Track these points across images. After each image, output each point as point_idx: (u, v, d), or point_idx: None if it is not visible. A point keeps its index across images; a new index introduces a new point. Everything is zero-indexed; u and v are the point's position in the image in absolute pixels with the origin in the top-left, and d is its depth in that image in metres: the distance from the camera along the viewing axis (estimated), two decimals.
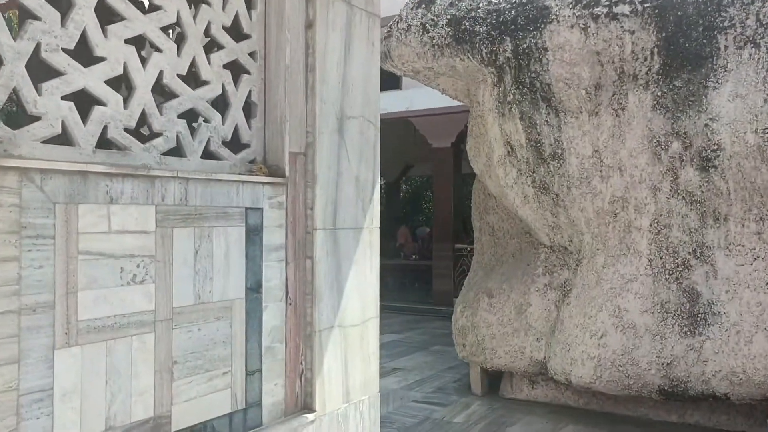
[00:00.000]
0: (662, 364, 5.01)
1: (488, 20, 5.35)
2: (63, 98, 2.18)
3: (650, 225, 5.15)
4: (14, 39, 2.06)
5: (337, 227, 3.15)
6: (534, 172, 5.53)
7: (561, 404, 6.07)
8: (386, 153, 14.67)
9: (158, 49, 2.49)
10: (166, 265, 2.40)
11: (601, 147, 5.15)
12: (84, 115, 2.27)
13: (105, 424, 2.21)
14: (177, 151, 2.61)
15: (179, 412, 2.46)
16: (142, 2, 2.49)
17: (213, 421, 2.60)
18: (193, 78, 2.70)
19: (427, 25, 5.58)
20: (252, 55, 2.91)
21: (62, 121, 2.17)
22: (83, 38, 2.26)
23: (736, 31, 4.67)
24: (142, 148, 2.42)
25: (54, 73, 2.18)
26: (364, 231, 3.33)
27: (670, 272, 5.10)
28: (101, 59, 2.30)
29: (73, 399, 2.11)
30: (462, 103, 6.60)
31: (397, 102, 11.78)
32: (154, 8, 2.50)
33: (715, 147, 4.76)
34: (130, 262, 2.28)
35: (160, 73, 2.50)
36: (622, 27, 4.83)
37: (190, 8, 2.64)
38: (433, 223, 14.24)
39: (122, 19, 2.37)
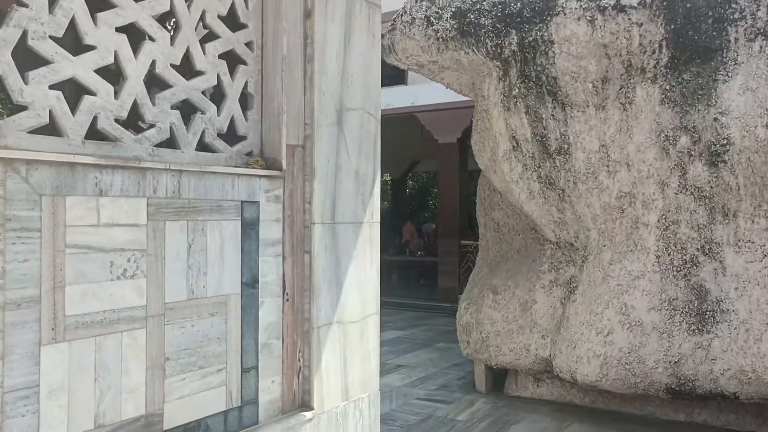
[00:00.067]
0: (669, 362, 4.93)
1: (493, 13, 5.27)
2: (51, 87, 2.12)
3: (658, 221, 5.06)
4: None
5: (335, 221, 3.08)
6: (539, 167, 5.45)
7: (566, 402, 6.00)
8: (392, 149, 14.67)
9: (151, 38, 2.43)
10: (157, 260, 2.34)
11: (608, 141, 5.07)
12: (74, 105, 2.21)
13: (94, 422, 2.15)
14: (171, 144, 2.55)
15: (172, 409, 2.40)
16: None
17: (207, 419, 2.54)
18: (188, 69, 2.64)
19: (431, 17, 5.50)
20: (249, 45, 2.84)
21: (50, 111, 2.11)
22: (72, 26, 2.20)
23: (746, 23, 4.57)
24: (133, 139, 2.36)
25: (42, 61, 2.12)
26: (364, 225, 3.26)
27: (678, 269, 5.01)
28: (91, 48, 2.24)
29: (60, 396, 2.06)
30: (468, 98, 6.52)
31: (402, 97, 11.71)
32: None
33: (725, 141, 4.67)
34: (121, 256, 2.22)
35: (153, 62, 2.44)
36: (629, 19, 4.74)
37: None
38: (438, 219, 14.16)
39: (113, 6, 2.31)
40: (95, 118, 2.25)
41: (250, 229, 2.71)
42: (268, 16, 2.88)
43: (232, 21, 2.78)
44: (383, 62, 6.32)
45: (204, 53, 2.64)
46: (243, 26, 2.82)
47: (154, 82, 2.53)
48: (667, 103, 4.83)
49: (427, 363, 7.75)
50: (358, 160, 3.22)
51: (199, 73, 2.63)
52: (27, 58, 2.10)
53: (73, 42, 2.21)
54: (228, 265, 2.62)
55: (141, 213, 2.28)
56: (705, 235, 4.97)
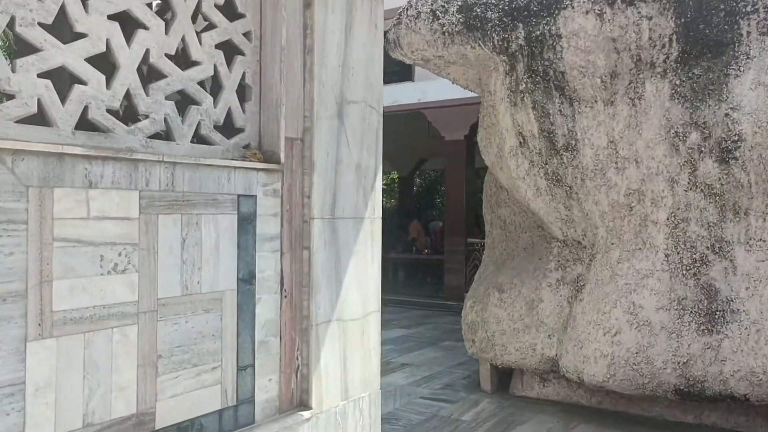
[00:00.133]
0: (678, 363, 4.84)
1: (500, 6, 5.18)
2: (40, 76, 2.06)
3: (667, 219, 4.97)
4: None
5: (335, 216, 3.01)
6: (547, 163, 5.36)
7: (573, 403, 5.91)
8: (399, 146, 14.65)
9: (144, 27, 2.36)
10: (150, 254, 2.28)
11: (617, 138, 4.98)
12: (64, 95, 2.14)
13: (83, 421, 2.09)
14: (166, 135, 2.48)
15: (164, 408, 2.34)
16: None
17: (201, 418, 2.48)
18: (185, 60, 2.57)
19: (437, 11, 5.42)
20: (246, 35, 2.77)
21: (38, 100, 2.05)
22: (62, 13, 2.13)
23: (759, 16, 4.47)
24: (126, 130, 2.30)
25: (30, 49, 2.06)
26: (365, 221, 3.19)
27: (688, 268, 4.92)
28: (82, 36, 2.18)
29: (47, 394, 1.99)
30: (475, 94, 6.43)
31: (409, 93, 11.64)
32: None
33: (736, 138, 4.57)
34: (111, 250, 2.15)
35: (147, 51, 2.37)
36: (639, 13, 4.64)
37: None
38: (445, 217, 14.08)
39: None
40: (86, 109, 2.18)
41: (246, 223, 2.65)
42: (267, 5, 2.81)
43: (229, 10, 2.71)
44: (391, 59, 6.27)
45: (200, 43, 2.57)
46: (241, 16, 2.75)
47: (154, 76, 2.47)
48: (677, 99, 4.73)
49: (432, 362, 7.68)
50: (359, 154, 3.15)
51: (195, 64, 2.56)
52: (15, 45, 2.04)
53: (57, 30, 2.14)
54: (223, 260, 2.55)
55: (133, 206, 2.22)
56: (715, 233, 4.87)
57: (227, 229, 2.56)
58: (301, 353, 2.91)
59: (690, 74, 4.69)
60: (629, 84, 4.88)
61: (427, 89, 11.46)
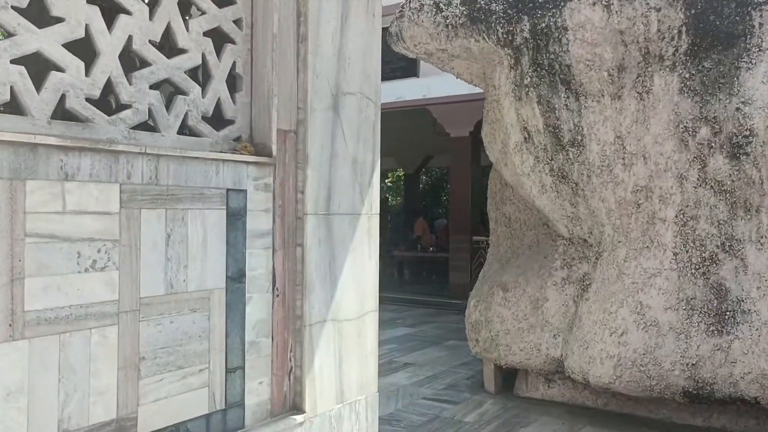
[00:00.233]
0: (687, 364, 4.71)
1: None
2: (13, 62, 1.95)
3: (676, 216, 4.83)
4: None
5: (331, 212, 2.89)
6: (552, 159, 5.23)
7: (578, 404, 5.78)
8: (405, 143, 14.57)
9: (127, 12, 2.25)
10: (132, 251, 2.17)
11: (624, 133, 4.84)
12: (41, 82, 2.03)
13: (58, 427, 1.98)
14: (151, 127, 2.37)
15: (147, 413, 2.22)
16: None
17: (187, 423, 2.37)
18: (171, 48, 2.46)
19: (440, 3, 5.30)
20: (237, 22, 2.65)
21: (11, 88, 1.94)
22: None
23: None
24: (107, 120, 2.18)
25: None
26: (362, 217, 3.07)
27: (697, 267, 4.78)
28: (59, 20, 2.06)
29: (19, 398, 1.88)
30: (480, 90, 6.30)
31: (414, 89, 11.50)
32: None
33: (747, 133, 4.43)
34: (89, 246, 2.04)
35: (130, 38, 2.26)
36: (647, 4, 4.50)
37: None
38: (450, 214, 13.95)
39: None
40: (64, 97, 2.07)
41: (236, 219, 2.53)
42: None
43: None
44: (396, 54, 6.15)
45: (187, 30, 2.45)
46: (231, 2, 2.63)
47: (138, 64, 2.36)
48: (687, 93, 4.59)
49: (435, 361, 7.56)
50: (355, 148, 3.03)
51: (182, 52, 2.44)
52: None
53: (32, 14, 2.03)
54: (211, 257, 2.44)
55: (113, 200, 2.10)
56: (725, 231, 4.73)
57: (215, 225, 2.45)
58: (294, 355, 2.79)
59: (700, 67, 4.55)
60: (637, 78, 4.75)
61: (432, 85, 11.33)
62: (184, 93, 2.46)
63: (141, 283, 2.19)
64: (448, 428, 5.24)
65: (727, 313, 4.67)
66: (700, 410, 5.26)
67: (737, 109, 4.43)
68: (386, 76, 11.17)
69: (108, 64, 2.18)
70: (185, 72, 2.47)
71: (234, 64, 2.64)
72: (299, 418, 2.74)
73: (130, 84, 2.26)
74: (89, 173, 2.03)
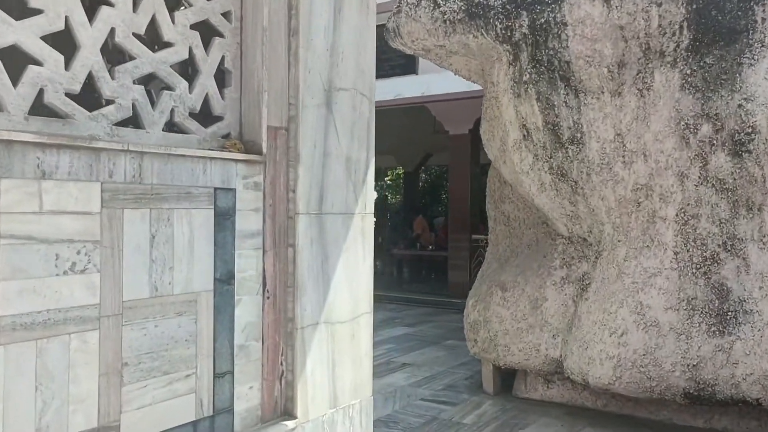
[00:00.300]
0: (687, 365, 4.63)
1: None
2: None
3: (676, 215, 4.75)
4: None
5: (323, 212, 2.81)
6: (551, 157, 5.15)
7: (578, 405, 5.71)
8: (405, 141, 14.48)
9: (109, 3, 2.16)
10: (114, 252, 2.08)
11: (624, 130, 4.76)
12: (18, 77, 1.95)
13: None
14: (135, 123, 2.29)
15: (130, 420, 2.14)
16: None
17: (173, 430, 2.28)
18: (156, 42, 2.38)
19: None
20: (226, 15, 2.57)
21: None
22: None
23: None
24: (88, 116, 2.10)
25: None
26: (355, 217, 2.99)
27: (698, 266, 4.70)
28: (37, 11, 1.98)
29: None
30: (480, 88, 6.21)
31: (413, 87, 11.41)
32: None
33: (750, 130, 4.35)
34: (68, 248, 1.96)
35: (112, 31, 2.17)
36: None
37: None
38: (449, 212, 13.87)
39: None
40: (42, 92, 1.99)
41: (224, 219, 2.45)
42: None
43: None
44: (395, 51, 6.06)
45: (173, 22, 2.37)
46: None
47: (121, 58, 2.27)
48: (688, 89, 4.51)
49: (433, 361, 7.48)
50: (349, 145, 2.94)
51: (168, 45, 2.36)
52: None
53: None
54: (198, 258, 2.36)
55: (94, 199, 2.02)
56: (727, 230, 4.65)
57: (202, 225, 2.37)
58: (286, 358, 2.71)
59: (701, 63, 4.47)
60: (637, 74, 4.67)
61: (432, 82, 11.23)
62: (170, 88, 2.38)
63: (124, 285, 2.11)
64: (446, 430, 5.16)
65: (729, 313, 4.59)
66: (701, 412, 5.18)
67: (739, 105, 4.35)
68: (385, 73, 11.13)
69: (89, 58, 2.09)
70: (171, 66, 2.39)
71: (223, 58, 2.56)
72: (291, 423, 2.66)
73: (113, 78, 2.18)
74: (68, 171, 1.95)
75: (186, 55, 2.42)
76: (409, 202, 19.83)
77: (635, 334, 4.78)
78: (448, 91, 10.66)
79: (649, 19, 4.46)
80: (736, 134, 4.40)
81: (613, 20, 4.52)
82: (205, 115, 2.52)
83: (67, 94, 2.05)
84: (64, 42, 2.07)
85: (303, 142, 2.70)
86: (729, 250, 4.65)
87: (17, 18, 1.94)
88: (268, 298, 2.63)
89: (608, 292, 5.03)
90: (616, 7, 4.48)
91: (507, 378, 6.23)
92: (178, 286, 2.29)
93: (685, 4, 4.39)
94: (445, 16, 5.20)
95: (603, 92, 4.76)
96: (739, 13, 4.34)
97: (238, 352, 2.51)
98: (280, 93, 2.66)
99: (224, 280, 2.45)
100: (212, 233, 2.40)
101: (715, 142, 4.49)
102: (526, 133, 5.25)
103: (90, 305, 2.01)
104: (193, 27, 2.45)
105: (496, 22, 5.02)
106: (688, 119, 4.53)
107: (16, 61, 1.99)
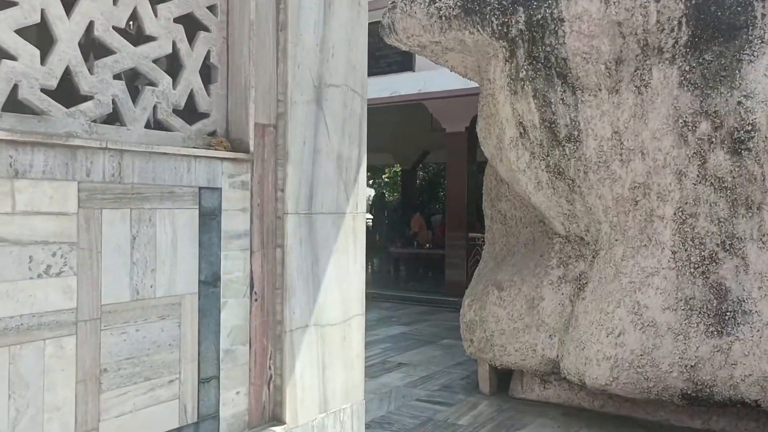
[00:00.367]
0: (685, 366, 4.56)
1: None
2: None
3: (674, 214, 4.69)
4: None
5: (313, 212, 2.74)
6: (548, 155, 5.07)
7: (574, 406, 5.64)
8: (402, 139, 14.42)
9: None
10: (92, 254, 2.01)
11: (622, 128, 4.69)
12: None
13: None
14: (116, 120, 2.21)
15: (109, 428, 2.07)
16: None
17: None
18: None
19: None
20: (211, 8, 2.50)
21: None
22: None
23: None
24: (65, 113, 2.02)
25: None
26: (346, 216, 2.92)
27: (696, 266, 4.64)
28: (12, 4, 1.90)
29: None
30: (477, 85, 6.14)
31: (409, 84, 11.33)
32: None
33: (749, 127, 4.28)
34: (43, 250, 1.88)
35: (91, 24, 2.09)
36: None
37: None
38: (446, 210, 13.81)
39: None
40: (17, 88, 1.91)
41: (210, 219, 2.37)
42: None
43: None
44: (391, 48, 5.99)
45: (156, 15, 2.29)
46: None
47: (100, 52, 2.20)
48: (686, 86, 4.44)
49: (429, 361, 7.42)
50: (340, 143, 2.87)
51: (150, 39, 2.28)
52: None
53: None
54: (182, 260, 2.28)
55: (70, 199, 1.94)
56: (726, 229, 4.59)
57: (186, 226, 2.29)
58: (274, 362, 2.64)
59: (700, 60, 4.40)
60: (635, 71, 4.59)
61: (428, 79, 11.15)
62: (153, 84, 2.30)
63: (103, 289, 2.04)
64: (442, 431, 5.09)
65: (728, 313, 4.53)
66: (698, 412, 5.12)
67: (739, 103, 4.28)
68: (381, 70, 11.05)
69: (66, 52, 2.02)
70: (155, 61, 2.31)
71: (208, 53, 2.48)
72: (279, 429, 2.59)
73: (92, 73, 2.10)
74: (42, 170, 1.88)
75: (169, 50, 2.34)
76: (407, 199, 19.77)
77: (632, 334, 4.71)
78: (445, 89, 10.59)
79: (647, 14, 4.39)
80: (736, 132, 4.33)
81: (610, 16, 4.44)
82: (191, 112, 2.45)
83: (44, 90, 1.98)
84: (40, 36, 1.99)
85: (292, 140, 2.63)
86: (728, 250, 4.58)
87: None
88: (255, 300, 2.55)
89: (605, 291, 4.96)
90: (614, 2, 4.41)
91: (503, 378, 6.16)
92: (161, 289, 2.21)
93: (684, 0, 4.31)
94: (441, 12, 5.13)
95: (600, 89, 4.69)
96: (739, 8, 4.27)
97: (224, 356, 2.44)
98: (268, 89, 2.58)
99: (209, 282, 2.38)
100: (197, 234, 2.33)
101: (713, 139, 4.42)
102: (522, 131, 5.18)
103: (66, 309, 1.94)
104: (177, 20, 2.37)
105: (492, 18, 4.94)
106: (686, 117, 4.46)
107: None
